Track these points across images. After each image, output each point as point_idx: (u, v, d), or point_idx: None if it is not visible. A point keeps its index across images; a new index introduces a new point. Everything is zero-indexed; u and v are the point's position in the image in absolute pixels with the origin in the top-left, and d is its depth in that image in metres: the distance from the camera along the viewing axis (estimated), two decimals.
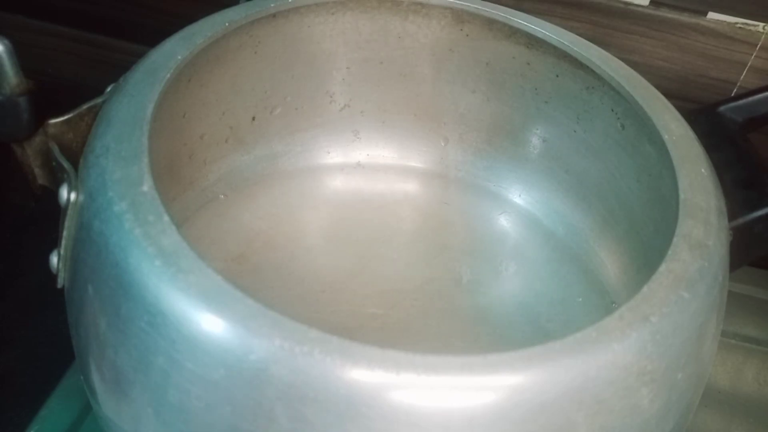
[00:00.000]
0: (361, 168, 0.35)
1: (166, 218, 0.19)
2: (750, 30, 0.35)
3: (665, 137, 0.25)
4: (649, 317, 0.19)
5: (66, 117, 0.23)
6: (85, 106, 0.23)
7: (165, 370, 0.18)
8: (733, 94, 0.36)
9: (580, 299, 0.30)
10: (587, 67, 0.28)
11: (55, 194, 0.22)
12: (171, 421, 0.19)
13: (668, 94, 0.27)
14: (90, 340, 0.21)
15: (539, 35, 0.30)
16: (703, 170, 0.24)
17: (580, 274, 0.31)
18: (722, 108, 0.28)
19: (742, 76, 0.36)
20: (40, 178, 0.24)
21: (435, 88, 0.34)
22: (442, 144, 0.35)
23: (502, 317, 0.30)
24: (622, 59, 0.29)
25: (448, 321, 0.29)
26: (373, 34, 0.33)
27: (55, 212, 0.22)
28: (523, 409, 0.17)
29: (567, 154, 0.32)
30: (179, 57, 0.25)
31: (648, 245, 0.27)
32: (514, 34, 0.31)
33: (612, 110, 0.29)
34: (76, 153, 0.22)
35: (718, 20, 0.35)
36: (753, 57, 0.35)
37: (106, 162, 0.21)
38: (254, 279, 0.28)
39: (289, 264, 0.30)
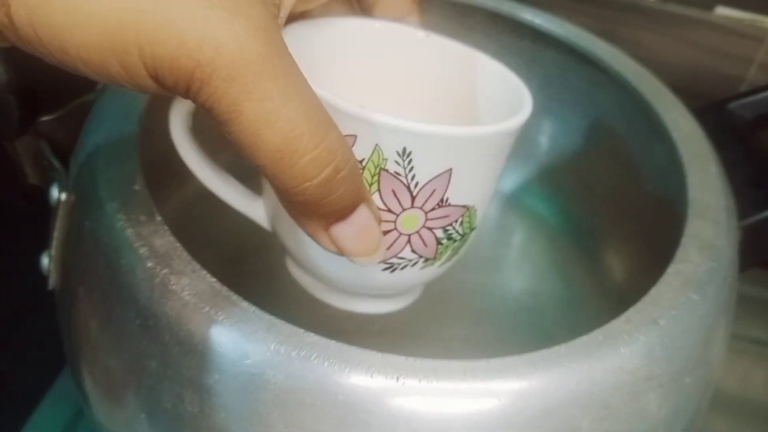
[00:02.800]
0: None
1: (158, 218, 0.19)
2: (758, 26, 0.34)
3: (674, 134, 0.25)
4: (657, 320, 0.19)
5: (57, 115, 0.23)
6: (76, 104, 0.23)
7: (158, 374, 0.18)
8: (741, 91, 0.35)
9: (587, 301, 0.30)
10: (594, 62, 0.28)
11: (46, 193, 0.22)
12: (164, 427, 0.18)
13: (676, 90, 0.27)
14: (82, 343, 0.21)
15: (545, 30, 0.30)
16: (712, 168, 0.24)
17: (587, 276, 0.31)
18: (731, 105, 0.28)
19: (751, 73, 0.36)
20: (31, 177, 0.24)
21: None
22: None
23: (505, 320, 0.29)
24: (628, 54, 0.28)
25: (450, 324, 0.29)
26: None
27: (46, 212, 0.21)
28: (527, 415, 0.17)
29: (573, 151, 0.32)
30: None
31: (656, 246, 0.27)
32: (519, 28, 0.30)
33: (619, 107, 0.28)
34: (67, 151, 0.22)
35: (726, 15, 0.34)
36: (762, 53, 0.35)
37: (97, 160, 0.21)
38: (249, 281, 0.28)
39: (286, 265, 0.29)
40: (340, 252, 0.17)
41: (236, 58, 0.13)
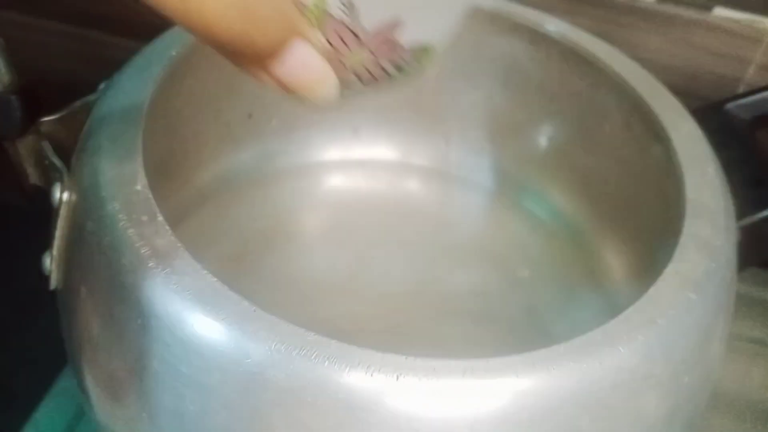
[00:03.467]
0: (360, 167, 0.35)
1: (160, 218, 0.19)
2: (756, 26, 0.34)
3: (672, 135, 0.25)
4: (655, 319, 0.19)
5: (58, 115, 0.23)
6: (77, 104, 0.23)
7: (159, 374, 0.18)
8: (740, 92, 0.36)
9: (585, 301, 0.30)
10: (592, 63, 0.28)
11: (48, 194, 0.22)
12: (165, 426, 0.19)
13: (674, 91, 0.27)
14: (83, 342, 0.21)
15: (543, 30, 0.30)
16: (710, 169, 0.24)
17: (585, 276, 0.31)
18: (729, 105, 0.28)
19: (749, 73, 0.36)
20: (33, 177, 0.24)
21: (436, 84, 0.34)
22: (444, 142, 0.35)
23: (504, 319, 0.29)
24: (628, 55, 0.28)
25: (450, 324, 0.29)
26: None
27: (48, 212, 0.21)
28: (526, 415, 0.17)
29: (572, 152, 0.32)
30: (173, 53, 0.25)
31: (654, 246, 0.27)
32: (518, 29, 0.31)
33: (618, 107, 0.29)
34: (68, 151, 0.22)
35: (724, 16, 0.34)
36: (760, 54, 0.35)
37: (99, 161, 0.21)
38: (251, 280, 0.28)
39: (287, 265, 0.29)
40: (285, 90, 0.16)
41: None
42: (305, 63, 0.16)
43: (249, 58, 0.15)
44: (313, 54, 0.16)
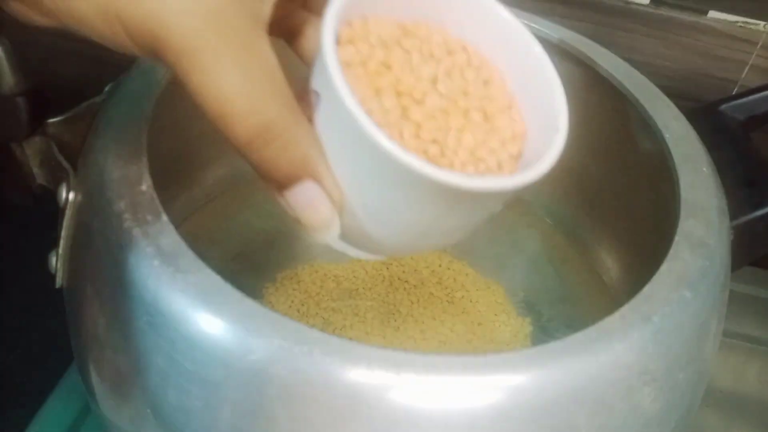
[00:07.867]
0: None
1: (164, 218, 0.19)
2: (751, 29, 0.35)
3: (666, 136, 0.25)
4: (650, 317, 0.19)
5: (65, 116, 0.23)
6: (83, 106, 0.23)
7: (164, 370, 0.18)
8: (734, 93, 0.36)
9: (582, 299, 0.30)
10: (588, 65, 0.28)
11: (54, 194, 0.22)
12: (170, 422, 0.19)
13: (669, 93, 0.27)
14: (89, 340, 0.21)
15: (540, 34, 0.30)
16: (704, 169, 0.24)
17: (582, 274, 0.31)
18: (723, 107, 0.28)
19: (743, 75, 0.36)
20: (39, 177, 0.24)
21: None
22: None
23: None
24: (623, 58, 0.29)
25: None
26: None
27: (54, 212, 0.22)
28: (524, 409, 0.17)
29: (568, 153, 0.32)
30: None
31: (649, 244, 0.27)
32: None
33: (613, 109, 0.29)
34: (75, 152, 0.22)
35: (718, 19, 0.35)
36: (754, 56, 0.35)
37: (104, 161, 0.21)
38: (254, 278, 0.28)
39: (289, 263, 0.30)
40: (295, 217, 0.17)
41: (182, 38, 0.15)
42: (311, 204, 0.17)
43: (267, 180, 0.17)
44: (322, 198, 0.17)
